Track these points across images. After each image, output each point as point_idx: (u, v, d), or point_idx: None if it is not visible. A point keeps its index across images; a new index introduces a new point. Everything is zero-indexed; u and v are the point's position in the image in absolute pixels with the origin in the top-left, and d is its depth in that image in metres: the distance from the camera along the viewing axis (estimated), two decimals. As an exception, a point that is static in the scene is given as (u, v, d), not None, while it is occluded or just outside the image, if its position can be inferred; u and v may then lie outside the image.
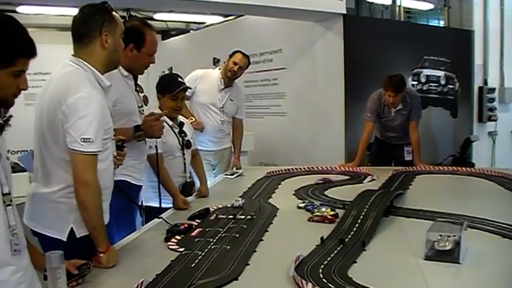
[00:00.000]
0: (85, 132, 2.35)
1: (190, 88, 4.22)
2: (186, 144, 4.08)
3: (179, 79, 4.06)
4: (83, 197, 2.38)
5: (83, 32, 2.56)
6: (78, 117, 2.35)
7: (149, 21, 3.54)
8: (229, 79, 5.44)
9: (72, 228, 2.48)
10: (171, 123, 3.98)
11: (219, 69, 5.57)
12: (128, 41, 3.18)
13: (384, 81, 5.45)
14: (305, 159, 6.50)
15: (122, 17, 3.11)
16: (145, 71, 3.46)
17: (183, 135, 4.06)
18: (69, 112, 2.36)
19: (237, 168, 5.37)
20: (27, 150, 3.11)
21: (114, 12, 2.64)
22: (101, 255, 2.39)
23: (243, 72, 5.54)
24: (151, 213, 3.43)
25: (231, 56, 5.45)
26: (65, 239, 2.47)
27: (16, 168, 4.11)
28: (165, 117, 3.78)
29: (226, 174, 5.19)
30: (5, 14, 1.93)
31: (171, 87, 3.95)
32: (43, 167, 2.53)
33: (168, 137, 3.89)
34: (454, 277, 2.30)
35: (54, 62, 2.61)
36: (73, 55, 2.57)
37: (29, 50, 1.90)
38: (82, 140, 2.34)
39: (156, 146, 3.53)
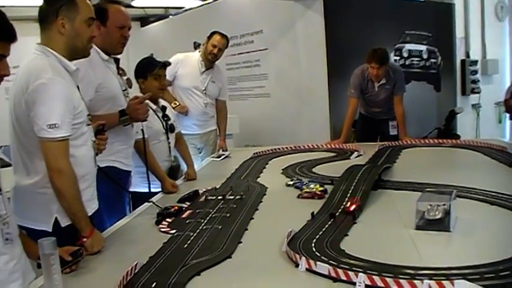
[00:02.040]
0: (49, 118, 2.31)
1: (169, 64, 4.16)
2: (170, 128, 4.07)
3: (156, 59, 4.07)
4: (58, 184, 2.36)
5: (42, 16, 2.51)
6: (40, 103, 2.31)
7: (127, 9, 3.50)
8: (209, 61, 5.41)
9: (56, 218, 2.46)
10: (154, 107, 3.96)
11: (199, 52, 5.53)
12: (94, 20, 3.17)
13: (367, 54, 5.44)
14: (290, 139, 6.50)
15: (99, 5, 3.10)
16: (126, 57, 3.42)
17: (166, 119, 4.05)
18: (31, 100, 2.32)
19: (223, 150, 5.37)
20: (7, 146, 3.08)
21: None
22: (85, 240, 2.37)
23: (223, 53, 5.50)
24: (141, 198, 3.42)
25: (209, 37, 5.40)
26: (50, 230, 2.45)
27: (1, 163, 4.09)
28: (148, 101, 3.76)
29: (213, 157, 5.19)
30: None
31: (151, 66, 3.93)
32: (20, 159, 2.50)
33: (153, 122, 3.87)
34: (445, 245, 2.32)
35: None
36: (38, 43, 2.52)
37: (7, 33, 1.87)
38: (48, 126, 2.30)
39: (142, 130, 3.52)
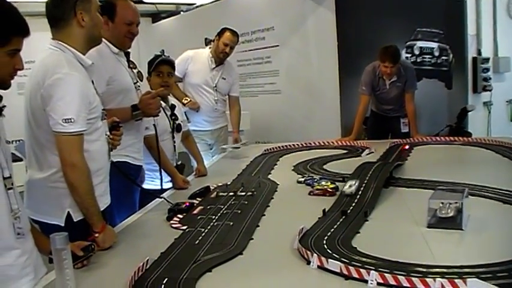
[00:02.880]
0: (65, 112, 2.33)
1: (172, 61, 4.11)
2: (176, 128, 4.06)
3: (161, 56, 4.04)
4: (71, 178, 2.37)
5: (57, 15, 2.52)
6: (56, 98, 2.33)
7: (138, 5, 3.50)
8: (220, 59, 5.38)
9: (68, 212, 2.48)
10: (163, 104, 3.95)
11: (209, 48, 5.49)
12: (102, 15, 3.17)
13: (379, 53, 5.42)
14: (301, 135, 6.49)
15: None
16: (137, 53, 3.42)
17: (173, 118, 4.04)
18: (48, 95, 2.34)
19: (237, 142, 5.34)
20: (22, 140, 3.08)
21: None
22: (97, 235, 2.38)
23: (233, 50, 5.47)
24: (153, 193, 3.42)
25: (219, 34, 5.35)
26: (62, 224, 2.46)
27: (12, 158, 4.07)
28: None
29: (231, 147, 5.24)
30: None
31: (152, 63, 3.94)
32: (33, 153, 2.52)
33: (160, 119, 3.86)
34: (457, 243, 2.31)
35: (42, 50, 2.55)
36: (52, 38, 2.54)
37: (23, 28, 1.90)
38: (64, 120, 2.32)
39: (154, 126, 3.52)
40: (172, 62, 4.10)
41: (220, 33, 5.35)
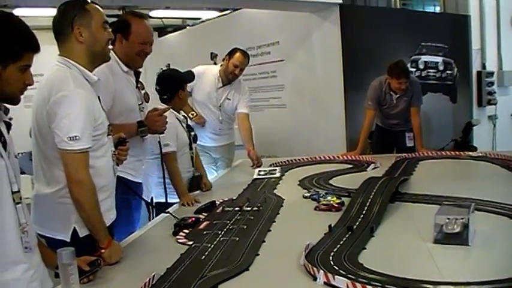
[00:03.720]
0: (70, 130, 2.34)
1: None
2: (193, 139, 4.08)
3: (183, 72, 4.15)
4: (77, 195, 2.37)
5: (58, 30, 2.54)
6: (61, 116, 2.34)
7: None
8: (228, 79, 5.25)
9: (74, 228, 2.48)
10: (181, 117, 3.98)
11: (221, 65, 5.34)
12: (115, 32, 3.19)
13: (390, 69, 5.42)
14: (306, 150, 6.50)
15: (118, 15, 3.12)
16: (143, 66, 3.44)
17: (189, 129, 4.07)
18: (53, 112, 2.35)
19: (255, 161, 4.97)
20: (25, 152, 3.11)
21: (90, 4, 2.57)
22: (103, 251, 2.39)
23: (243, 71, 5.33)
24: (159, 208, 3.44)
25: (230, 55, 5.21)
26: (68, 240, 2.46)
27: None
28: (176, 113, 3.80)
29: (259, 172, 4.61)
30: (5, 11, 1.94)
31: (184, 81, 4.03)
32: (41, 168, 2.52)
33: (180, 133, 3.89)
34: (464, 259, 2.31)
35: (50, 63, 2.57)
36: (59, 54, 2.55)
37: (34, 44, 1.91)
38: (69, 138, 2.33)
39: (159, 143, 3.56)
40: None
41: (231, 54, 5.21)
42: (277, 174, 4.51)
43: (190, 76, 4.14)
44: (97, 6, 2.61)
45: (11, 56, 1.83)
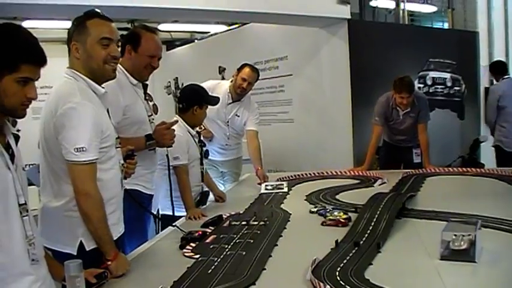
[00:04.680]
0: (77, 141, 2.34)
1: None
2: (204, 154, 4.10)
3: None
4: (84, 208, 2.38)
5: (66, 42, 2.57)
6: (68, 127, 2.35)
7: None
8: (237, 94, 5.27)
9: (81, 241, 2.47)
10: (193, 133, 3.99)
11: (231, 81, 5.34)
12: (125, 44, 3.23)
13: (394, 84, 5.44)
14: (313, 165, 6.50)
15: (127, 28, 3.14)
16: (151, 79, 3.46)
17: (201, 144, 4.08)
18: (60, 124, 2.37)
19: (265, 180, 4.88)
20: (33, 164, 3.13)
21: (91, 20, 2.55)
22: (109, 263, 2.38)
23: (252, 86, 5.35)
24: (165, 221, 3.45)
25: (239, 70, 5.25)
26: (75, 253, 2.45)
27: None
28: (188, 127, 3.81)
29: (266, 187, 4.58)
30: (12, 23, 1.95)
31: (203, 97, 4.06)
32: (48, 181, 2.53)
33: (192, 148, 3.90)
34: (470, 276, 2.30)
35: (60, 75, 2.58)
36: (67, 67, 2.57)
37: (34, 57, 1.87)
38: (75, 149, 2.33)
39: (167, 156, 3.57)
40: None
41: (240, 69, 5.25)
42: (284, 189, 4.50)
43: (213, 100, 4.17)
44: (101, 21, 2.58)
45: (7, 67, 1.81)
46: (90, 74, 2.56)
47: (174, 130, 3.42)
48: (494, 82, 7.82)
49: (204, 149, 4.11)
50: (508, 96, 7.10)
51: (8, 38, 1.84)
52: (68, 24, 2.61)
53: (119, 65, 2.81)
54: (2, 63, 1.81)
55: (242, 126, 5.34)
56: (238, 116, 5.31)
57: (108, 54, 2.57)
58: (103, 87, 2.61)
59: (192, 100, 3.98)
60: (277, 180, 4.97)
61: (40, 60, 1.90)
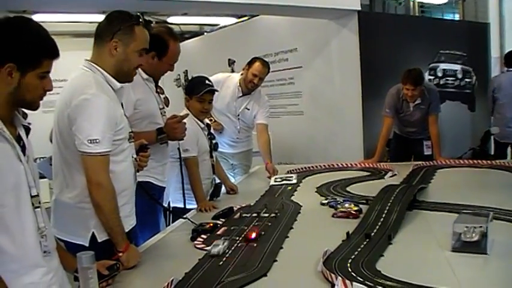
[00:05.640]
0: (91, 133, 2.36)
1: (217, 91, 4.16)
2: (214, 147, 4.10)
3: (206, 81, 4.00)
4: (96, 198, 2.40)
5: (98, 32, 2.58)
6: (82, 119, 2.37)
7: (162, 25, 3.55)
8: (248, 89, 5.25)
9: (93, 233, 2.50)
10: (202, 125, 3.99)
11: (241, 74, 5.32)
12: (150, 48, 3.22)
13: (402, 75, 5.43)
14: (323, 157, 6.50)
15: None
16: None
17: (210, 137, 4.09)
18: (74, 115, 2.38)
19: (275, 174, 4.86)
20: (45, 157, 3.15)
21: (139, 27, 2.61)
22: (121, 254, 2.40)
23: (263, 81, 5.33)
24: (177, 213, 3.46)
25: (249, 64, 5.22)
26: (87, 244, 2.48)
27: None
28: (196, 119, 3.81)
29: (276, 179, 4.63)
30: (24, 16, 1.97)
31: (197, 89, 3.92)
32: (61, 172, 2.55)
33: (201, 140, 3.91)
34: (482, 268, 2.29)
35: (70, 69, 2.61)
36: (86, 59, 2.59)
37: (53, 51, 1.93)
38: (89, 141, 2.35)
39: (178, 149, 3.58)
40: (216, 90, 4.14)
41: (251, 63, 5.21)
42: (294, 181, 4.51)
43: (198, 88, 4.06)
44: (145, 31, 2.65)
45: (31, 64, 1.86)
46: (115, 72, 2.59)
47: (185, 123, 3.43)
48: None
49: (214, 141, 4.11)
50: (502, 88, 7.05)
51: (28, 35, 1.87)
52: (77, 17, 2.61)
53: None
54: (26, 60, 1.85)
55: (252, 120, 5.32)
56: (249, 110, 5.29)
57: (139, 63, 2.67)
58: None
59: (187, 90, 4.03)
60: (287, 172, 4.97)
61: (57, 53, 1.95)
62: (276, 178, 4.62)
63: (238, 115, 5.31)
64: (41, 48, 1.89)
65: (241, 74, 5.31)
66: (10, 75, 1.82)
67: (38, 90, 1.92)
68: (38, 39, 1.90)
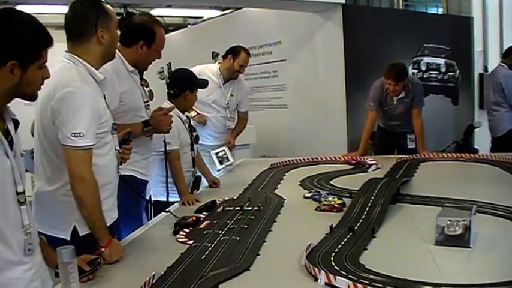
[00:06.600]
0: (75, 126, 2.32)
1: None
2: (195, 139, 4.07)
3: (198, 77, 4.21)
4: (79, 192, 2.36)
5: (77, 30, 2.53)
6: (66, 112, 2.33)
7: (145, 17, 3.51)
8: (230, 77, 5.33)
9: (74, 226, 2.47)
10: (184, 118, 3.97)
11: (218, 63, 5.42)
12: (138, 38, 3.20)
13: (385, 69, 5.43)
14: (307, 150, 6.50)
15: (119, 13, 3.11)
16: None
17: (191, 129, 4.06)
18: (57, 108, 2.34)
19: (230, 147, 5.16)
20: (26, 150, 3.10)
21: (107, 5, 2.59)
22: (103, 249, 2.37)
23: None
24: (159, 207, 3.43)
25: (234, 54, 5.26)
26: (68, 238, 2.45)
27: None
28: (179, 112, 3.80)
29: (216, 154, 4.85)
30: (13, 8, 1.94)
31: (196, 81, 4.08)
32: (42, 165, 2.52)
33: (182, 133, 3.88)
34: (465, 261, 2.30)
35: (53, 61, 2.55)
36: (66, 51, 2.55)
37: (49, 39, 1.91)
38: (72, 134, 2.32)
39: (164, 142, 3.58)
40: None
41: (235, 54, 5.26)
42: (231, 160, 4.90)
43: (202, 82, 4.18)
44: (110, 6, 2.64)
45: (31, 58, 1.84)
46: (104, 58, 2.61)
47: (171, 116, 3.40)
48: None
49: (195, 134, 4.09)
50: (490, 82, 7.10)
51: (25, 29, 1.85)
52: (61, 9, 2.58)
53: (116, 51, 2.81)
54: (27, 55, 1.84)
55: (236, 105, 5.46)
56: (233, 96, 5.39)
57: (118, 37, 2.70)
58: (101, 73, 2.59)
59: (182, 85, 3.98)
60: (271, 165, 4.99)
61: (52, 40, 1.94)
62: (217, 152, 4.84)
63: (227, 103, 5.33)
64: (40, 40, 1.88)
65: (219, 63, 5.41)
66: (12, 73, 1.79)
67: (38, 81, 1.91)
68: (35, 31, 1.87)
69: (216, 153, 4.85)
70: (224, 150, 4.93)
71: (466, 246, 2.37)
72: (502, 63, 6.96)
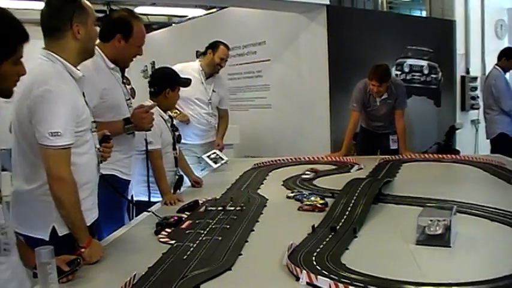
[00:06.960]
0: (52, 125, 2.28)
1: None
2: (177, 139, 4.06)
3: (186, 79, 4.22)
4: (57, 192, 2.32)
5: (52, 25, 2.48)
6: (43, 111, 2.29)
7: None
8: (211, 72, 5.36)
9: (54, 227, 2.42)
10: (166, 117, 3.95)
11: (199, 61, 5.45)
12: (115, 31, 3.18)
13: (369, 70, 5.45)
14: (291, 150, 6.50)
15: (103, 11, 3.09)
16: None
17: (173, 129, 4.04)
18: (34, 106, 2.30)
19: (220, 149, 5.22)
20: (5, 149, 3.07)
21: (84, 1, 2.55)
22: (83, 250, 2.33)
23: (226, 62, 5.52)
24: (141, 207, 3.41)
25: (213, 48, 5.32)
26: (47, 239, 2.40)
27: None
28: (161, 111, 3.78)
29: (208, 156, 4.93)
30: None
31: (179, 79, 4.06)
32: (20, 165, 2.47)
33: (164, 132, 3.86)
34: (445, 260, 2.31)
35: (33, 58, 2.49)
36: (43, 48, 2.50)
37: (25, 34, 1.90)
38: (50, 134, 2.27)
39: (146, 140, 3.56)
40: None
41: (215, 48, 5.32)
42: (224, 159, 4.94)
43: (185, 81, 4.16)
44: (88, 1, 2.60)
45: (6, 53, 1.82)
46: (81, 54, 2.56)
47: (153, 113, 3.37)
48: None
49: (177, 133, 4.08)
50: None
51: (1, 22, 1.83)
52: (42, 5, 2.54)
53: (96, 47, 2.78)
54: (2, 51, 1.83)
55: (218, 102, 5.49)
56: (215, 91, 5.42)
57: (97, 33, 2.68)
58: (78, 70, 2.55)
59: (163, 83, 3.95)
60: (254, 165, 4.99)
61: (28, 36, 1.92)
62: (209, 155, 4.90)
63: (210, 99, 5.35)
64: (14, 35, 1.86)
65: (200, 60, 5.45)
66: None
67: (13, 76, 1.90)
68: (9, 26, 1.86)
69: (208, 156, 4.90)
70: (215, 152, 4.98)
71: (447, 245, 2.39)
72: (496, 66, 7.02)
